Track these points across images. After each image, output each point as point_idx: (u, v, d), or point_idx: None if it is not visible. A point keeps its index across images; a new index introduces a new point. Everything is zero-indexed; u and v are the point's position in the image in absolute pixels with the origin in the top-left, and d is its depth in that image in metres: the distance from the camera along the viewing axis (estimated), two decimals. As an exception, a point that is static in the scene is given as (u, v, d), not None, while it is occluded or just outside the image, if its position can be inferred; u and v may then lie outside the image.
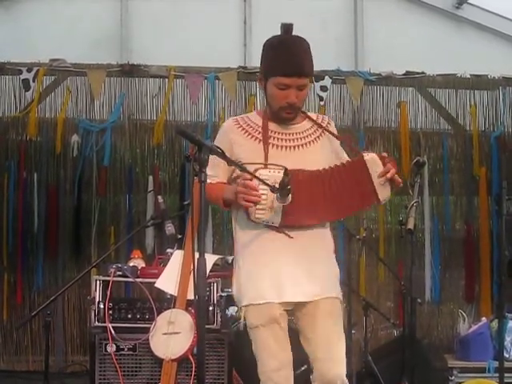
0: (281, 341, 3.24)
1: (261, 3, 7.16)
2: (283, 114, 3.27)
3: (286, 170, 3.02)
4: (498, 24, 7.38)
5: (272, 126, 3.31)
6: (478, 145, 6.76)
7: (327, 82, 6.60)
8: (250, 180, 3.10)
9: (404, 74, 6.76)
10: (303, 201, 3.15)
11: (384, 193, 3.23)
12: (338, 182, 3.21)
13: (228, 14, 7.21)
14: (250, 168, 3.13)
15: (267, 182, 3.06)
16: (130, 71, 6.57)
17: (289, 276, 3.22)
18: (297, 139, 3.31)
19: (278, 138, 3.29)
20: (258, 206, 3.11)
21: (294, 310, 3.32)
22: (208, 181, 3.11)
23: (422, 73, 6.76)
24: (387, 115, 6.84)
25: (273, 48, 3.26)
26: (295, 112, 3.30)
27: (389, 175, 3.18)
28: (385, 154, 3.26)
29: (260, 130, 3.30)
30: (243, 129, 3.32)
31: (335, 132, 3.43)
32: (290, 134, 3.31)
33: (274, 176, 3.09)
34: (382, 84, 6.80)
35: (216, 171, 3.26)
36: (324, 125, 3.39)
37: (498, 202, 4.45)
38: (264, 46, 3.30)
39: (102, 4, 7.10)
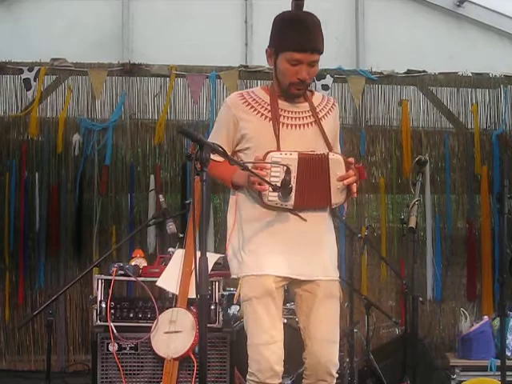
0: (272, 315, 3.21)
1: (262, 2, 7.14)
2: (293, 90, 3.25)
3: (287, 168, 3.02)
4: (500, 22, 7.36)
5: (280, 103, 3.28)
6: (480, 143, 6.75)
7: (329, 80, 6.59)
8: (263, 159, 3.08)
9: (405, 73, 6.76)
10: (313, 182, 3.13)
11: (337, 198, 3.20)
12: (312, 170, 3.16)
13: (229, 14, 7.20)
14: (262, 151, 3.11)
15: (278, 166, 3.04)
16: (131, 70, 6.57)
17: (291, 253, 3.21)
18: (302, 118, 3.29)
19: (286, 117, 3.27)
20: (270, 189, 3.08)
21: (292, 286, 3.31)
22: (215, 159, 3.13)
23: (424, 71, 6.76)
24: (389, 114, 6.84)
25: (285, 23, 3.22)
26: (305, 88, 3.27)
27: (346, 182, 3.15)
28: (351, 160, 3.21)
29: (267, 107, 3.26)
30: (249, 104, 3.28)
31: (337, 116, 3.43)
32: (296, 112, 3.29)
33: (287, 159, 3.08)
34: (384, 82, 6.79)
35: (220, 141, 3.19)
36: (327, 108, 3.38)
37: (500, 200, 4.43)
38: (274, 21, 3.27)
39: (104, 3, 7.09)
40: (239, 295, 3.30)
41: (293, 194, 3.10)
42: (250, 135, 3.23)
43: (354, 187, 3.18)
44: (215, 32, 6.98)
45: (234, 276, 3.34)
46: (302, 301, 3.31)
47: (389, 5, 7.32)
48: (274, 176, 3.06)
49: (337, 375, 3.30)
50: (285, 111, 3.28)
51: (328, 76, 6.60)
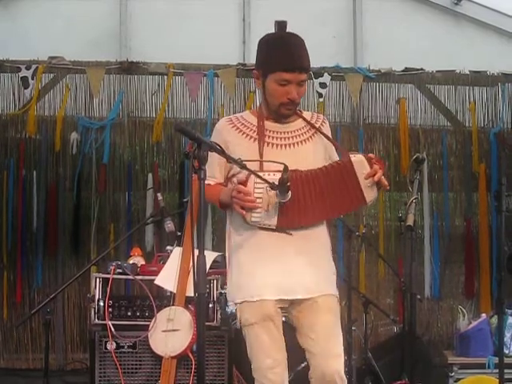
0: (275, 339, 3.23)
1: (260, 1, 7.15)
2: (283, 111, 3.26)
3: (285, 166, 3.02)
4: (497, 20, 7.36)
5: (267, 124, 3.30)
6: (478, 141, 6.75)
7: (326, 78, 6.59)
8: (246, 180, 3.10)
9: (403, 71, 6.76)
10: (296, 202, 3.14)
11: (371, 194, 3.22)
12: (327, 182, 3.19)
13: (227, 12, 7.19)
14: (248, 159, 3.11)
15: (261, 186, 3.07)
16: (128, 68, 6.56)
17: (285, 273, 3.21)
18: (291, 137, 3.30)
19: (273, 137, 3.28)
20: (253, 210, 3.11)
21: (289, 308, 3.30)
22: (206, 182, 3.14)
23: (421, 69, 6.76)
24: (386, 112, 6.84)
25: (270, 44, 3.25)
26: (294, 108, 3.29)
27: (376, 178, 3.16)
28: (372, 155, 3.24)
29: (255, 128, 3.29)
30: (237, 128, 3.31)
31: (329, 132, 3.43)
32: (284, 133, 3.30)
33: (269, 179, 3.08)
34: (381, 80, 6.79)
35: (212, 171, 3.22)
36: (318, 124, 3.38)
37: (498, 198, 4.44)
38: (259, 44, 3.31)
39: (101, 2, 7.07)
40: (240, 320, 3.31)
41: (276, 215, 3.12)
42: (240, 158, 3.23)
43: (384, 180, 3.20)
44: (213, 30, 6.98)
45: (230, 302, 3.36)
46: (300, 323, 3.29)
47: (387, 3, 7.32)
48: (258, 197, 3.09)
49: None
50: (271, 131, 3.29)
51: (326, 74, 6.60)
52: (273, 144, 3.27)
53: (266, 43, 3.28)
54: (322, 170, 3.22)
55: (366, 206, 3.29)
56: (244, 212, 3.11)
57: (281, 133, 3.30)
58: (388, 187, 3.25)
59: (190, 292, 4.07)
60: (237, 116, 3.40)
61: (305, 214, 3.19)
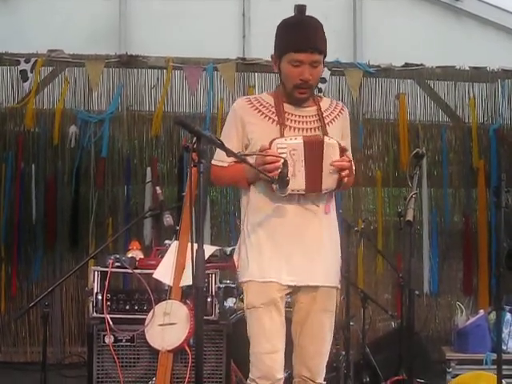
0: (277, 324, 3.25)
1: (259, -5, 7.15)
2: (296, 94, 3.26)
3: (285, 161, 3.01)
4: (498, 17, 7.37)
5: (286, 107, 3.29)
6: (477, 137, 6.75)
7: (326, 73, 6.57)
8: (269, 147, 3.09)
9: (403, 66, 6.76)
10: (318, 167, 3.14)
11: (328, 182, 3.19)
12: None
13: (227, 6, 7.19)
14: (267, 141, 3.13)
15: (284, 150, 3.07)
16: (128, 62, 6.55)
17: (296, 260, 3.23)
18: (311, 122, 3.30)
19: (291, 120, 3.28)
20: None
21: (293, 293, 3.33)
22: (219, 164, 3.19)
23: (421, 65, 6.75)
24: (386, 107, 6.84)
25: (285, 27, 3.27)
26: (309, 91, 3.28)
27: (345, 164, 3.15)
28: (344, 147, 3.23)
29: (273, 110, 3.28)
30: (256, 108, 3.30)
31: (347, 120, 3.44)
32: (304, 117, 3.30)
33: (292, 144, 3.11)
34: (381, 76, 6.78)
35: (222, 156, 3.21)
36: (337, 111, 3.39)
37: (497, 194, 4.43)
38: (277, 27, 3.31)
39: (101, -5, 7.09)
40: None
41: (303, 179, 3.12)
42: (256, 138, 3.24)
43: (346, 174, 3.18)
44: (213, 24, 6.98)
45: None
46: (296, 311, 3.35)
47: (387, -1, 7.33)
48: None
49: (325, 383, 3.36)
50: (290, 114, 3.29)
51: (325, 69, 6.57)
52: (293, 128, 3.26)
53: (282, 26, 3.29)
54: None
55: (320, 193, 3.23)
56: (276, 174, 3.06)
57: (298, 116, 3.29)
58: (345, 180, 3.20)
59: (183, 282, 4.08)
60: (255, 96, 3.40)
61: (324, 179, 3.18)
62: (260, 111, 3.29)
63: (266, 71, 6.44)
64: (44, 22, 6.87)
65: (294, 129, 3.26)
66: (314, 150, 3.13)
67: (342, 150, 3.19)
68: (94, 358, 4.24)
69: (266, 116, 3.27)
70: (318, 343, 3.32)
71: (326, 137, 3.20)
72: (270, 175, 3.07)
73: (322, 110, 3.34)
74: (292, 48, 3.18)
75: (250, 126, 3.26)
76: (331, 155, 3.16)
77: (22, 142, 6.45)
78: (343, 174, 3.17)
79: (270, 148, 3.10)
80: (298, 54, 3.17)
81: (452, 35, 7.26)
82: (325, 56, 3.27)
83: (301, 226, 3.23)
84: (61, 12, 6.96)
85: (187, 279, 4.08)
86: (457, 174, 6.84)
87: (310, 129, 3.28)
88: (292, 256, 3.23)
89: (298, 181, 3.12)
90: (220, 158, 3.27)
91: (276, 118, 3.26)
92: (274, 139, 3.12)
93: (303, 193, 3.17)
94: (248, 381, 3.30)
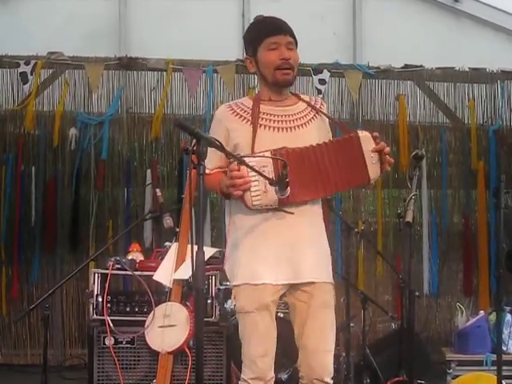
0: (269, 329, 3.25)
1: (259, -3, 7.15)
2: (281, 76, 3.27)
3: (284, 163, 3.01)
4: (497, 18, 7.37)
5: (266, 108, 3.31)
6: (477, 138, 6.75)
7: (325, 75, 6.58)
8: (238, 168, 3.08)
9: (402, 68, 6.76)
10: (296, 178, 3.12)
11: (374, 171, 3.21)
12: (332, 157, 3.18)
13: (227, 7, 7.19)
14: (249, 144, 3.17)
15: (255, 167, 3.05)
16: (128, 64, 6.55)
17: (285, 259, 3.22)
18: (290, 121, 3.30)
19: (269, 120, 3.28)
20: (252, 194, 3.10)
21: (286, 293, 3.31)
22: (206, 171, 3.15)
23: (421, 66, 6.76)
24: (385, 108, 6.84)
25: (253, 24, 3.42)
26: (292, 73, 3.29)
27: (386, 151, 3.18)
28: (376, 134, 3.24)
29: (251, 112, 3.30)
30: (237, 113, 3.31)
31: (328, 114, 3.46)
32: (282, 116, 3.30)
33: (261, 161, 3.09)
34: (381, 77, 6.79)
35: (207, 162, 3.12)
36: (317, 106, 3.40)
37: (496, 195, 4.44)
38: (246, 31, 3.46)
39: (101, -3, 7.10)
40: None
41: (278, 192, 3.10)
42: (240, 144, 3.25)
43: (390, 158, 3.21)
44: (212, 26, 6.98)
45: (228, 283, 3.36)
46: (296, 312, 3.32)
47: (386, 0, 7.33)
48: (254, 180, 3.08)
49: (332, 382, 3.33)
50: (270, 115, 3.29)
51: (325, 70, 6.59)
52: (269, 127, 3.27)
53: (250, 26, 3.44)
54: (327, 144, 3.22)
55: (369, 183, 3.25)
56: (243, 196, 3.09)
57: (279, 116, 3.30)
58: (389, 168, 3.23)
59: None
60: (236, 102, 3.42)
61: (307, 189, 3.18)
62: (241, 116, 3.30)
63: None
64: (44, 23, 6.87)
65: (269, 128, 3.26)
66: (292, 162, 3.08)
67: (375, 137, 3.21)
68: (94, 359, 4.25)
69: (245, 119, 3.29)
70: (321, 341, 3.29)
71: (358, 131, 3.24)
72: (236, 194, 3.07)
73: (304, 106, 3.36)
74: (265, 34, 3.26)
75: (233, 133, 3.27)
76: (368, 147, 3.18)
77: (22, 145, 6.45)
78: (389, 159, 3.20)
79: (239, 169, 3.08)
80: (272, 37, 3.25)
81: (451, 36, 7.26)
82: (296, 45, 3.32)
83: (287, 224, 3.21)
84: (61, 12, 6.96)
85: (182, 273, 4.09)
86: (456, 175, 6.84)
87: (290, 128, 3.28)
88: (282, 255, 3.22)
89: (269, 196, 3.10)
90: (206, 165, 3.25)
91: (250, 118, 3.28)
92: (244, 157, 3.09)
93: (276, 206, 3.14)
94: (240, 381, 3.30)
